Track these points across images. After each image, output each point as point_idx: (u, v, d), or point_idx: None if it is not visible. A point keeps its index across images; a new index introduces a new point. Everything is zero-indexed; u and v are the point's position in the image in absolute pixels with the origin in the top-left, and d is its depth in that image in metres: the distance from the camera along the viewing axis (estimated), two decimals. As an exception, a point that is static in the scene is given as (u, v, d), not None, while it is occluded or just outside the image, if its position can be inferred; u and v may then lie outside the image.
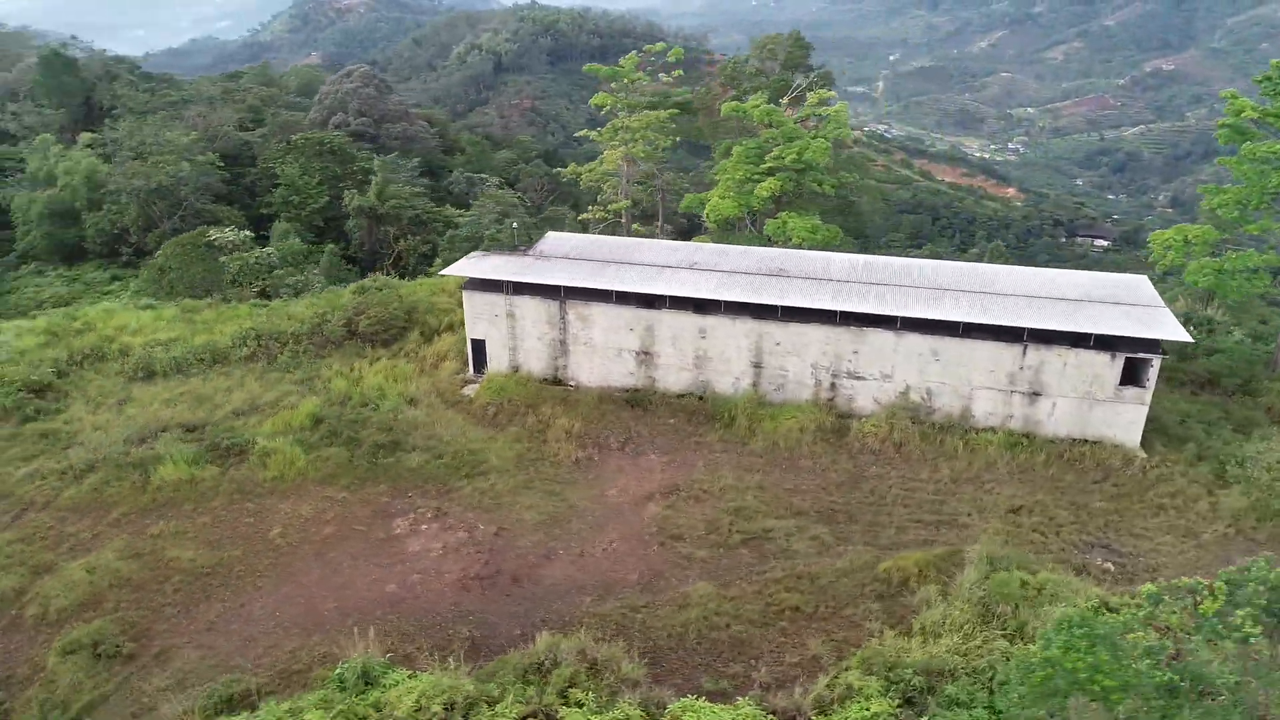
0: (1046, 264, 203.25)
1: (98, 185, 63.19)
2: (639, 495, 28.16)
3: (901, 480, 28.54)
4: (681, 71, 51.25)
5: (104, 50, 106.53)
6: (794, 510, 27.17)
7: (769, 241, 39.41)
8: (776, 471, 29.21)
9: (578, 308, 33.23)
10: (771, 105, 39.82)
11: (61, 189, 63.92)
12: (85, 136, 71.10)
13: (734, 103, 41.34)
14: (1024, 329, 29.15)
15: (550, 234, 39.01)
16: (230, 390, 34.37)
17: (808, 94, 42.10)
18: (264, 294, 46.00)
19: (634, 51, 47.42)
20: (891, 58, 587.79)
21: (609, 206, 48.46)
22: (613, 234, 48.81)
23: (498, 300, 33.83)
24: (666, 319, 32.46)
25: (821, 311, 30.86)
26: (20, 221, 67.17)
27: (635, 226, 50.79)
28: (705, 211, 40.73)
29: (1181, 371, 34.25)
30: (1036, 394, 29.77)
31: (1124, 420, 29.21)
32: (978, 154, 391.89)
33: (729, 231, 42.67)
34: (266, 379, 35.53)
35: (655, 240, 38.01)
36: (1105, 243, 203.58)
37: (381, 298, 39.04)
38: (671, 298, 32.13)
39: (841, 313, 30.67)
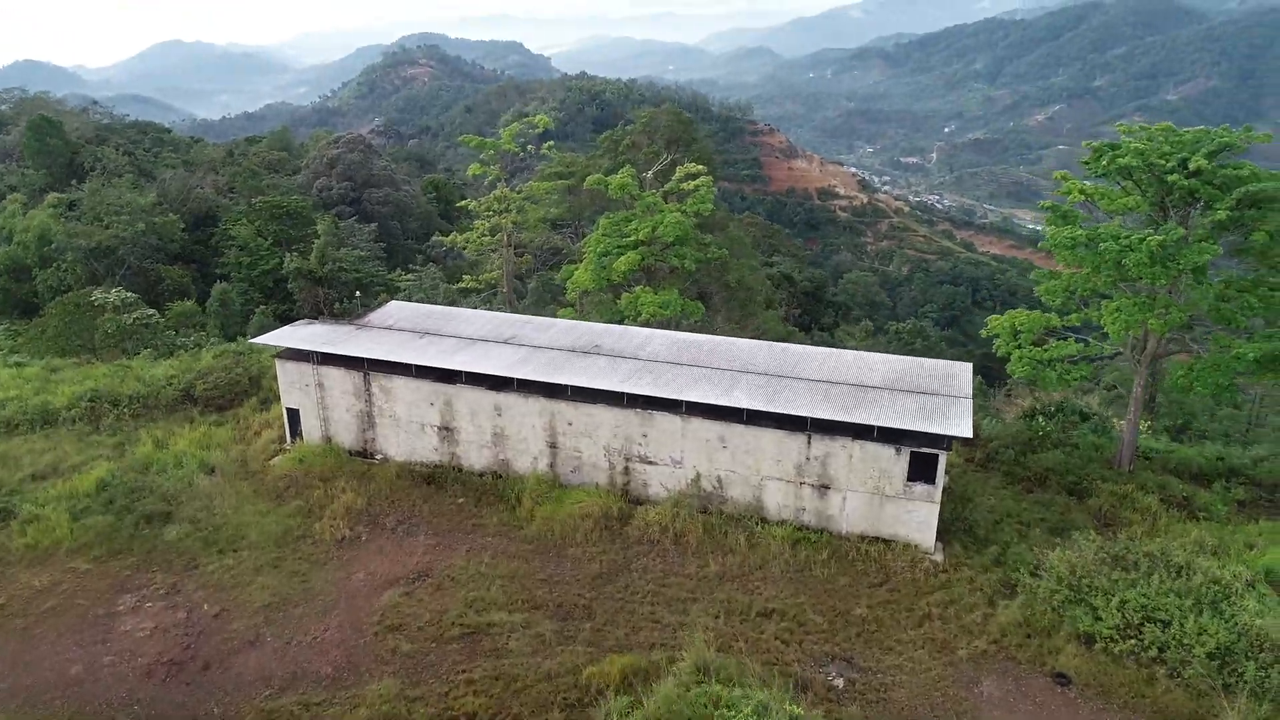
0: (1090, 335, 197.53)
1: (48, 243, 65.99)
2: (384, 580, 26.86)
3: (663, 575, 26.67)
4: (553, 144, 51.13)
5: (192, 114, 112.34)
6: (533, 604, 25.51)
7: (621, 317, 38.37)
8: (538, 560, 27.63)
9: (380, 380, 32.55)
10: (631, 180, 39.05)
11: (15, 245, 66.93)
12: (51, 197, 74.64)
13: (598, 176, 40.78)
14: (808, 418, 27.35)
15: (392, 303, 38.70)
16: (42, 453, 34.42)
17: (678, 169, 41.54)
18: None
19: (515, 122, 47.71)
20: (947, 129, 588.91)
21: (481, 277, 48.17)
22: (488, 305, 48.53)
23: (307, 370, 33.40)
24: (464, 394, 31.50)
25: (612, 392, 29.54)
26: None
27: (524, 302, 50.47)
28: (567, 283, 40.01)
29: (1021, 467, 31.74)
30: (826, 487, 27.75)
31: (916, 519, 26.96)
32: (1030, 225, 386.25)
33: (592, 305, 41.76)
34: (86, 442, 35.55)
35: (484, 313, 37.23)
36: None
37: (227, 363, 39.06)
38: (469, 373, 31.22)
39: (629, 395, 29.31)
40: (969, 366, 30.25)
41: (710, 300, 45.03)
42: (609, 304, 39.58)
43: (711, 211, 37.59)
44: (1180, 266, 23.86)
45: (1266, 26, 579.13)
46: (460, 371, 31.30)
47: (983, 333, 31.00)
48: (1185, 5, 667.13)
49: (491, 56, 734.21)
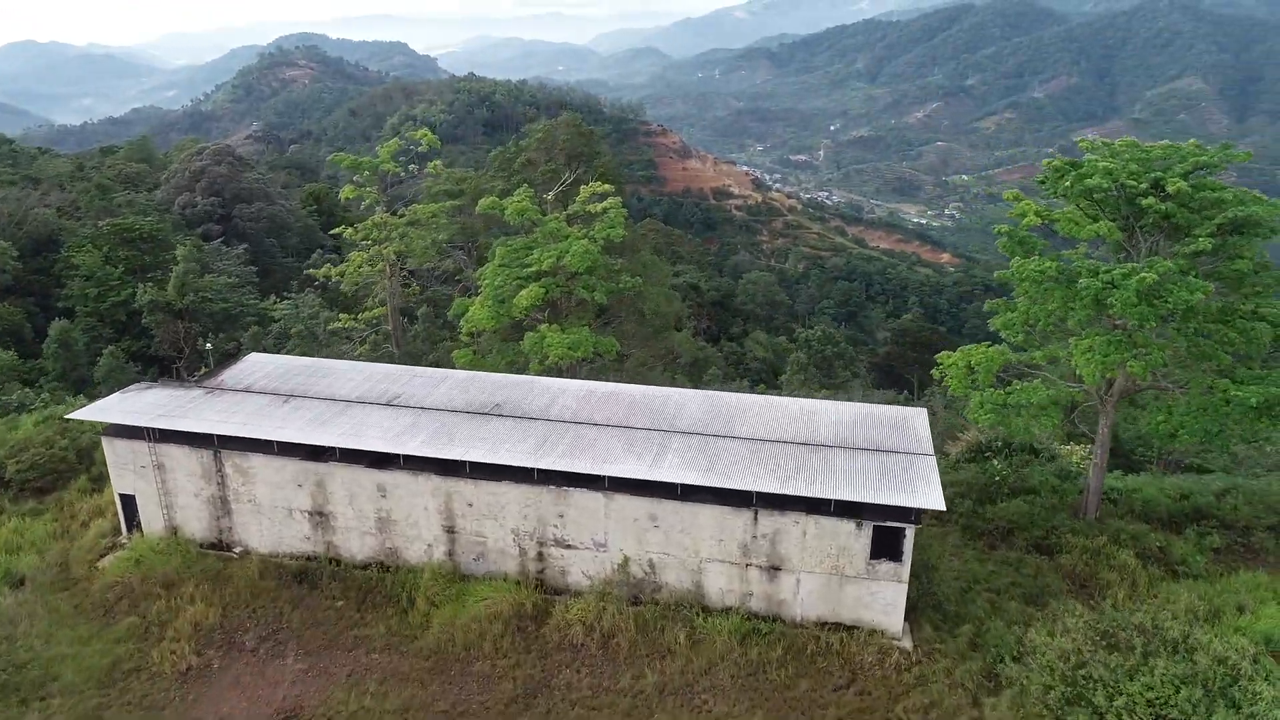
0: (977, 329, 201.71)
1: None
2: (240, 728, 21.41)
3: (591, 693, 22.13)
4: (439, 162, 45.49)
5: (50, 120, 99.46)
6: (433, 749, 20.63)
7: (526, 360, 33.45)
8: (437, 683, 22.62)
9: (235, 459, 26.76)
10: (530, 203, 34.32)
11: None
12: None
13: (492, 199, 35.83)
14: (753, 491, 23.33)
15: (250, 357, 32.64)
16: None
17: (582, 188, 36.63)
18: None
19: (394, 138, 41.97)
20: (833, 127, 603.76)
21: (361, 315, 42.17)
22: (371, 348, 42.46)
23: (143, 449, 27.24)
24: (340, 474, 26.10)
25: (519, 468, 24.78)
26: None
27: (414, 331, 44.73)
28: (461, 322, 34.84)
29: (981, 519, 28.75)
30: (777, 568, 23.80)
31: (881, 601, 23.31)
32: (915, 220, 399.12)
33: (486, 347, 36.56)
34: None
35: (362, 365, 31.73)
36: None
37: (49, 433, 32.23)
38: (342, 449, 25.82)
39: (540, 469, 24.62)
40: (924, 415, 26.88)
41: (622, 327, 40.73)
42: (511, 344, 34.64)
43: (623, 236, 33.17)
44: (1170, 305, 21.04)
45: (1118, 28, 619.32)
46: (332, 448, 25.88)
47: (934, 372, 27.70)
48: (1046, 7, 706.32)
49: (376, 57, 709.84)
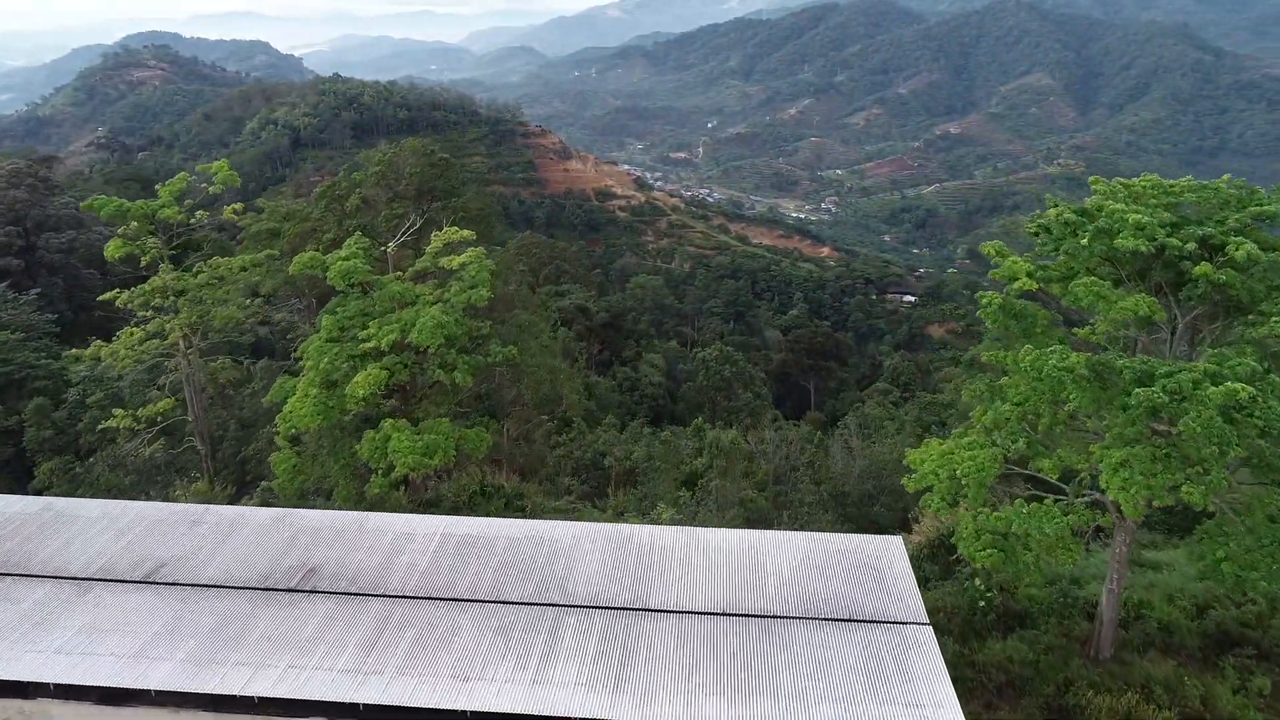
0: (860, 323, 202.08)
1: None
2: None
3: None
4: (242, 205, 34.99)
5: None
6: None
7: (369, 469, 24.81)
8: None
9: (-116, 698, 17.29)
10: (361, 259, 25.28)
11: None
12: None
13: (312, 255, 26.28)
14: None
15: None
16: None
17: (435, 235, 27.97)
18: None
19: (181, 174, 31.71)
20: (710, 125, 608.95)
21: (141, 411, 31.78)
22: (152, 460, 32.12)
23: None
24: (56, 712, 17.06)
25: (333, 703, 16.39)
26: None
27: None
28: (278, 419, 25.83)
29: (971, 667, 22.33)
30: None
31: None
32: (794, 214, 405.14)
33: (316, 447, 27.47)
34: None
35: (118, 509, 22.41)
36: (912, 298, 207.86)
37: None
38: (41, 684, 16.75)
39: (366, 704, 16.33)
40: (900, 549, 20.04)
41: (499, 399, 32.64)
42: (345, 445, 25.84)
43: (490, 298, 24.77)
44: (1261, 422, 14.89)
45: (972, 26, 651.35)
46: (27, 683, 16.73)
47: (905, 482, 20.96)
48: (905, 7, 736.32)
49: (235, 57, 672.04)
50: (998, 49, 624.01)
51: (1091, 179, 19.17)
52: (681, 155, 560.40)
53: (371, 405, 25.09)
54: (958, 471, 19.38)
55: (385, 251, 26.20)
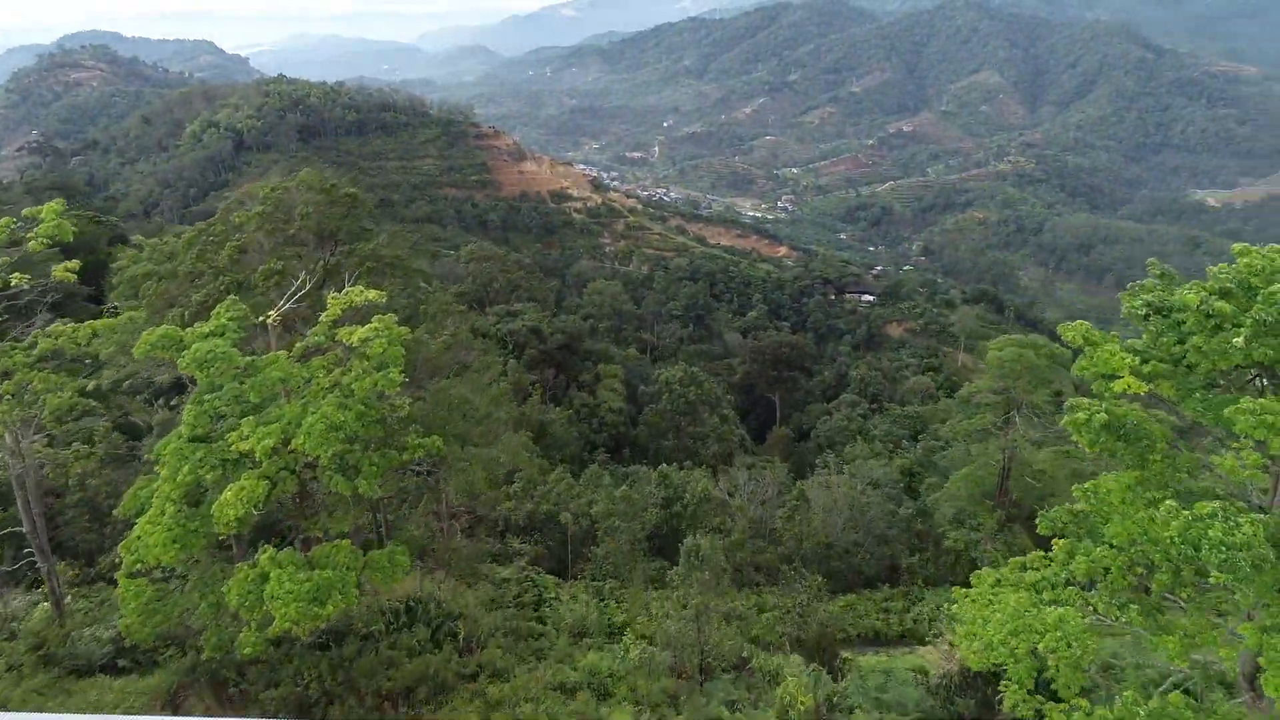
0: (820, 323, 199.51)
1: None
2: None
3: None
4: (73, 263, 24.53)
5: None
6: None
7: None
8: None
9: None
10: (232, 334, 19.01)
11: None
12: None
13: (164, 330, 19.63)
14: None
15: None
16: None
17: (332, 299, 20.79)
18: None
19: (5, 218, 23.95)
20: (666, 124, 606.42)
21: None
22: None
23: None
24: None
25: None
26: None
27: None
28: (120, 550, 18.97)
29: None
30: None
31: None
32: (750, 213, 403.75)
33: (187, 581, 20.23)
34: None
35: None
36: (871, 298, 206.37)
37: None
38: None
39: None
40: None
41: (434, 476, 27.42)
42: (217, 576, 19.54)
43: (399, 384, 18.00)
44: None
45: (923, 25, 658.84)
46: None
47: (964, 654, 15.69)
48: (858, 6, 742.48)
49: (179, 57, 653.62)
50: (948, 47, 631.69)
51: (1236, 247, 14.16)
52: (638, 155, 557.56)
53: (247, 527, 19.06)
54: (1040, 646, 14.25)
55: (268, 320, 20.09)
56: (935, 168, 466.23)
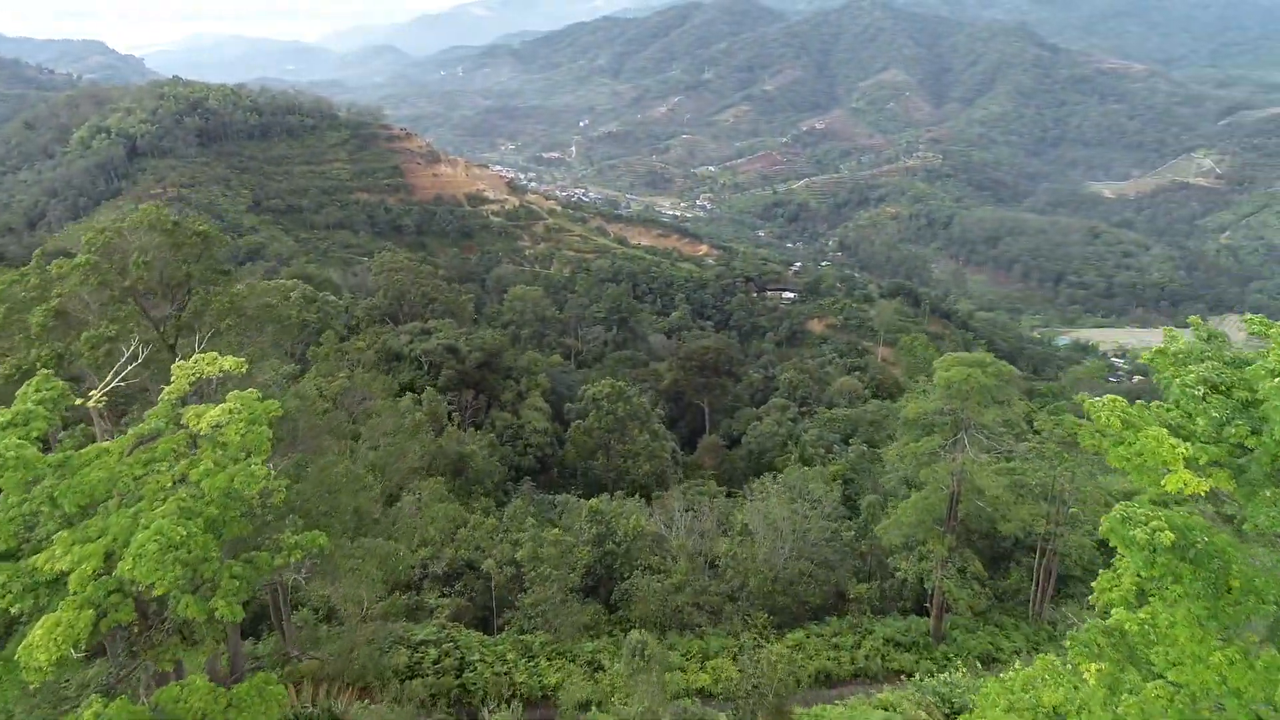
0: (743, 321, 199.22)
1: None
2: None
3: None
4: None
5: None
6: None
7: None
8: None
9: None
10: (39, 423, 14.02)
11: None
12: None
13: None
14: None
15: None
16: None
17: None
18: None
19: None
20: (582, 123, 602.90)
21: None
22: None
23: None
24: None
25: None
26: None
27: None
28: None
29: None
30: None
31: None
32: (670, 212, 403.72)
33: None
34: None
35: None
36: (792, 295, 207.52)
37: None
38: None
39: None
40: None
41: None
42: None
43: (261, 484, 13.37)
44: None
45: (831, 25, 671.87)
46: None
47: None
48: (767, 6, 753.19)
49: (67, 58, 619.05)
50: (856, 46, 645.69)
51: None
52: (555, 155, 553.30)
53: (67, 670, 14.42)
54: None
55: (91, 403, 14.91)
56: (848, 164, 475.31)
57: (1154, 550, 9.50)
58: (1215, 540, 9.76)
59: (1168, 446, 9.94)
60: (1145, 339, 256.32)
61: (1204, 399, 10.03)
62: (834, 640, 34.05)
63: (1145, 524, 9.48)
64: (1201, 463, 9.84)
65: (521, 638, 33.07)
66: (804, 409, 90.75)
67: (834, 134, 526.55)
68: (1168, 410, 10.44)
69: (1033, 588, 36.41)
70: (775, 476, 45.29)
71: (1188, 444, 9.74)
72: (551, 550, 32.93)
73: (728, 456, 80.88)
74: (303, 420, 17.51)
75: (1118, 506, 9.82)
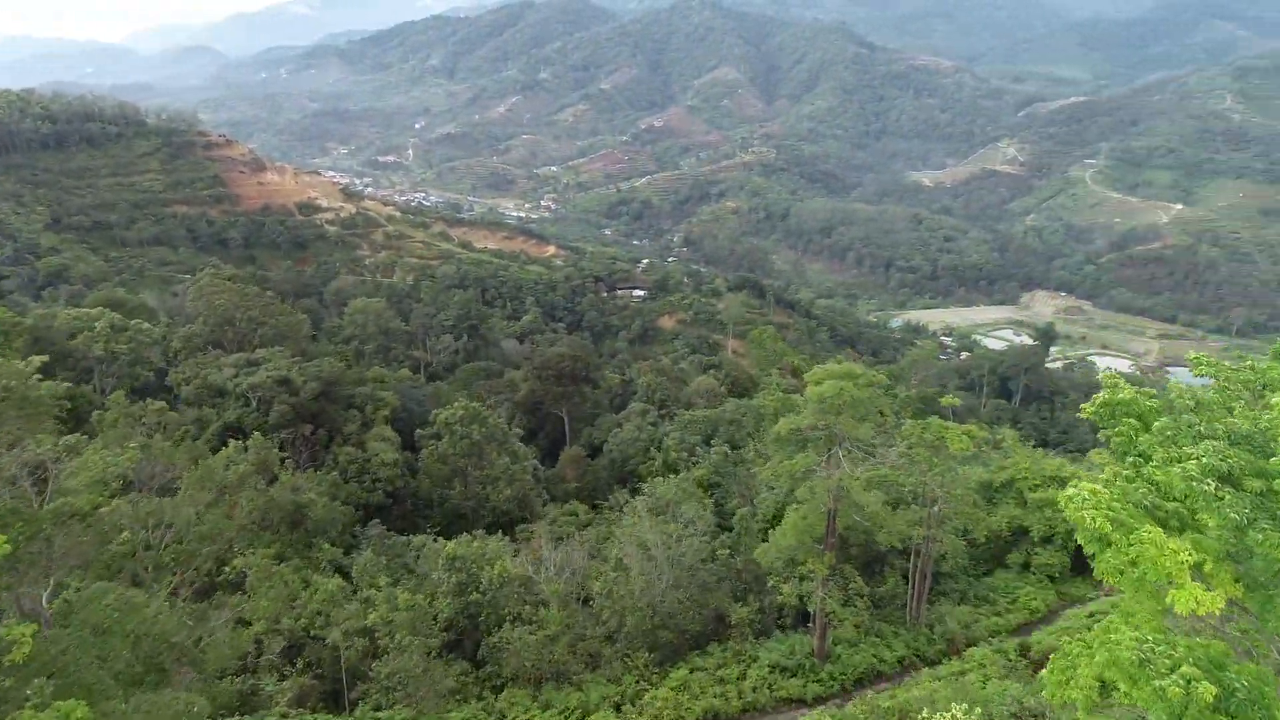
0: (595, 321, 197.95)
1: None
2: None
3: None
4: None
5: None
6: None
7: None
8: None
9: None
10: None
11: None
12: None
13: None
14: None
15: None
16: None
17: None
18: None
19: None
20: (418, 125, 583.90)
21: None
22: None
23: None
24: None
25: None
26: None
27: None
28: None
29: None
30: None
31: None
32: (515, 213, 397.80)
33: None
34: None
35: None
36: (642, 293, 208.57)
37: None
38: None
39: None
40: None
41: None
42: None
43: None
44: None
45: (662, 24, 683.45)
46: None
47: None
48: (599, 5, 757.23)
49: None
50: (688, 45, 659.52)
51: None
52: (391, 158, 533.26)
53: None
54: None
55: None
56: (688, 161, 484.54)
57: (1197, 709, 7.45)
58: (1258, 688, 7.90)
59: (1169, 554, 8.02)
60: (969, 317, 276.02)
61: (1218, 499, 8.16)
62: (719, 674, 32.48)
63: (1172, 670, 7.39)
64: (1207, 570, 8.03)
65: (377, 715, 29.55)
66: (664, 411, 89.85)
67: (672, 131, 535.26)
68: (1131, 482, 8.80)
69: (909, 590, 36.30)
70: (642, 490, 43.51)
71: (1190, 549, 7.83)
72: (406, 615, 29.51)
73: (590, 467, 78.64)
74: (60, 537, 13.35)
75: (1129, 642, 7.66)
